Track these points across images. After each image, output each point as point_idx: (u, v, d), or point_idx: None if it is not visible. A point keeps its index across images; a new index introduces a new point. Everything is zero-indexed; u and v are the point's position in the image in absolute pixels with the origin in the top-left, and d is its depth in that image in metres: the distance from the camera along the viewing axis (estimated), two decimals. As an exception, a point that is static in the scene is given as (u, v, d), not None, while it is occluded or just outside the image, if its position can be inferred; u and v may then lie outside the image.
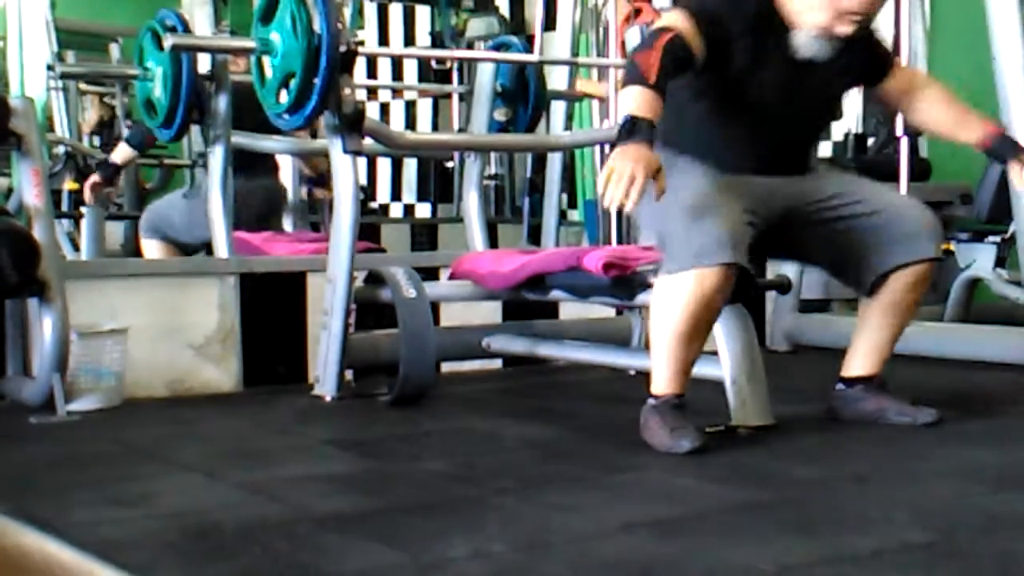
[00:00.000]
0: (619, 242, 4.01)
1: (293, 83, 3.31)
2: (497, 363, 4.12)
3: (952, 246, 4.79)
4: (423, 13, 7.06)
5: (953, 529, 2.09)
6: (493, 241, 4.38)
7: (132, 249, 5.64)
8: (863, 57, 3.01)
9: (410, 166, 6.92)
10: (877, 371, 3.08)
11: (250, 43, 3.45)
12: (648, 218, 2.93)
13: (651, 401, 2.80)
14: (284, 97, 3.38)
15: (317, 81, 3.27)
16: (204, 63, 3.85)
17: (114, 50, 6.29)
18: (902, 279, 2.98)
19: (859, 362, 3.08)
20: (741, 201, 2.80)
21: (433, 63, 6.51)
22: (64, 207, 5.21)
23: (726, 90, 2.88)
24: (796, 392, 3.35)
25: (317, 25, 3.26)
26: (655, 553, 1.99)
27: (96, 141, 6.39)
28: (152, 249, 4.64)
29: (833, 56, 2.88)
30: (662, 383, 2.80)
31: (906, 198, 3.29)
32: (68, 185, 5.27)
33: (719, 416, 2.94)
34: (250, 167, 4.48)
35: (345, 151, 3.44)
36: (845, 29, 2.83)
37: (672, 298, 2.74)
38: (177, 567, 1.94)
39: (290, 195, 5.10)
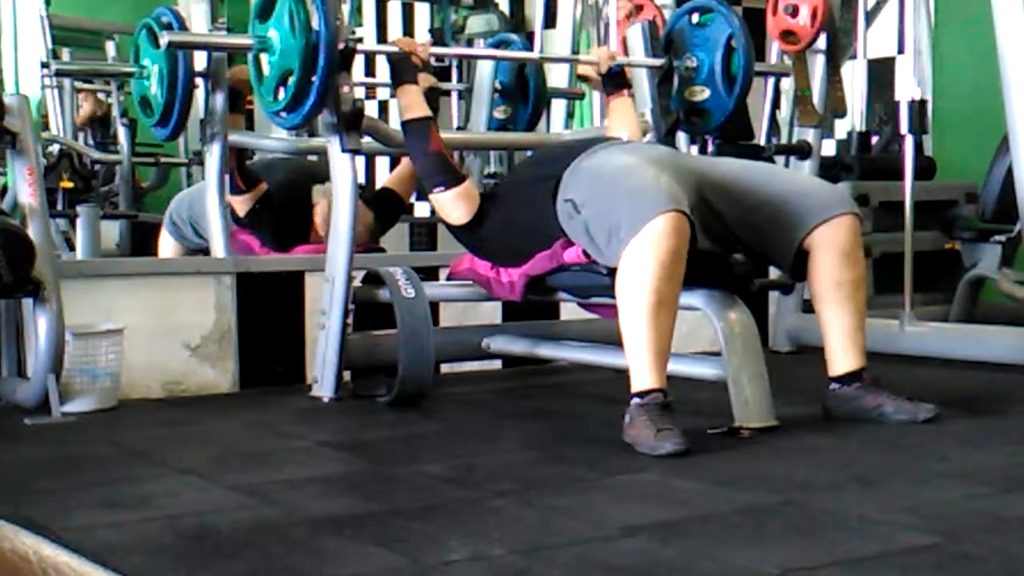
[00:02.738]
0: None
1: (291, 81, 3.29)
2: (497, 364, 4.10)
3: (957, 245, 4.77)
4: (422, 10, 7.05)
5: (958, 531, 2.07)
6: (493, 240, 4.34)
7: (128, 248, 5.62)
8: None
9: (409, 165, 6.91)
10: (863, 363, 3.09)
11: (248, 40, 3.43)
12: (593, 221, 2.94)
13: (636, 400, 2.78)
14: (282, 95, 3.35)
15: (315, 79, 3.25)
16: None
17: (110, 47, 6.27)
18: (829, 253, 3.02)
19: (842, 358, 3.09)
20: (664, 168, 2.95)
21: (432, 60, 6.50)
22: (59, 206, 5.18)
23: None
24: (799, 393, 3.33)
25: (315, 22, 3.24)
26: (656, 556, 1.97)
27: (89, 138, 6.36)
28: (167, 246, 4.59)
29: None
30: (644, 377, 2.79)
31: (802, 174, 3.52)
32: (63, 183, 5.24)
33: (721, 417, 2.92)
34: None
35: (343, 149, 3.43)
36: None
37: (632, 271, 2.77)
38: (173, 570, 1.93)
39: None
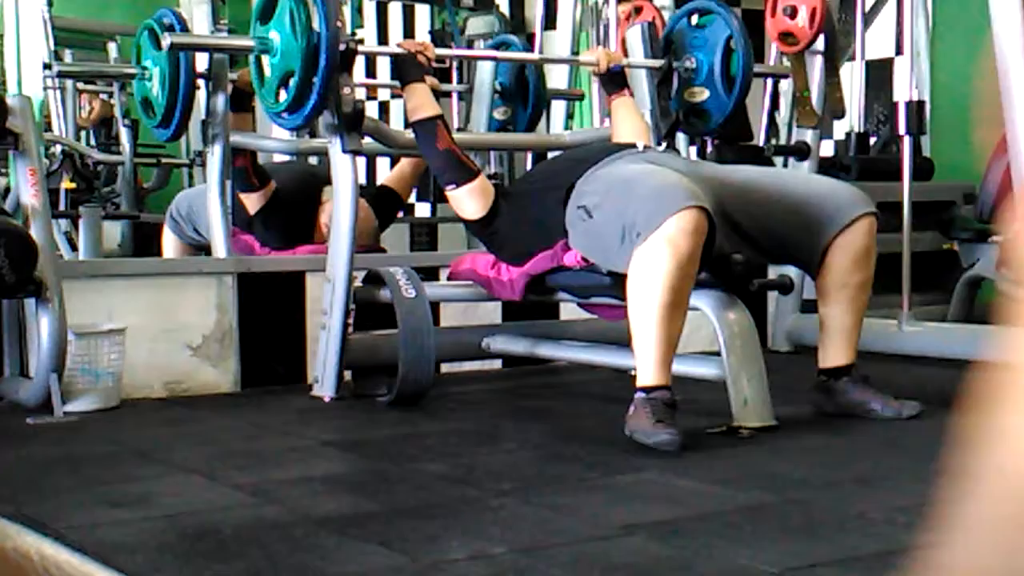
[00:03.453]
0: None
1: (292, 82, 3.29)
2: (497, 363, 4.11)
3: (955, 246, 4.78)
4: (423, 12, 7.05)
5: (957, 530, 2.07)
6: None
7: (130, 249, 5.63)
8: None
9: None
10: (853, 359, 3.15)
11: (249, 42, 3.44)
12: (605, 224, 2.96)
13: (642, 394, 2.80)
14: (283, 96, 3.36)
15: (316, 80, 3.26)
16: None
17: (112, 49, 6.27)
18: (844, 256, 3.06)
19: (834, 352, 3.15)
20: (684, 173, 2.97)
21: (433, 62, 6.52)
22: (61, 206, 5.19)
23: None
24: (798, 392, 3.34)
25: (316, 24, 3.25)
26: (656, 555, 1.98)
27: (92, 139, 6.37)
28: (169, 243, 4.60)
29: None
30: (650, 373, 2.80)
31: (820, 177, 3.56)
32: (65, 184, 5.25)
33: (721, 417, 2.93)
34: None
35: (344, 150, 3.43)
36: None
37: (648, 267, 2.77)
38: (175, 569, 1.93)
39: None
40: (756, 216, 3.09)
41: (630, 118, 3.68)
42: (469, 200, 3.30)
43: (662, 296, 2.75)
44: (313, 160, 5.01)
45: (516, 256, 3.30)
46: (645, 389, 2.80)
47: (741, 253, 3.07)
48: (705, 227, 2.78)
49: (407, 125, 3.46)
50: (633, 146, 3.27)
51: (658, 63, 4.01)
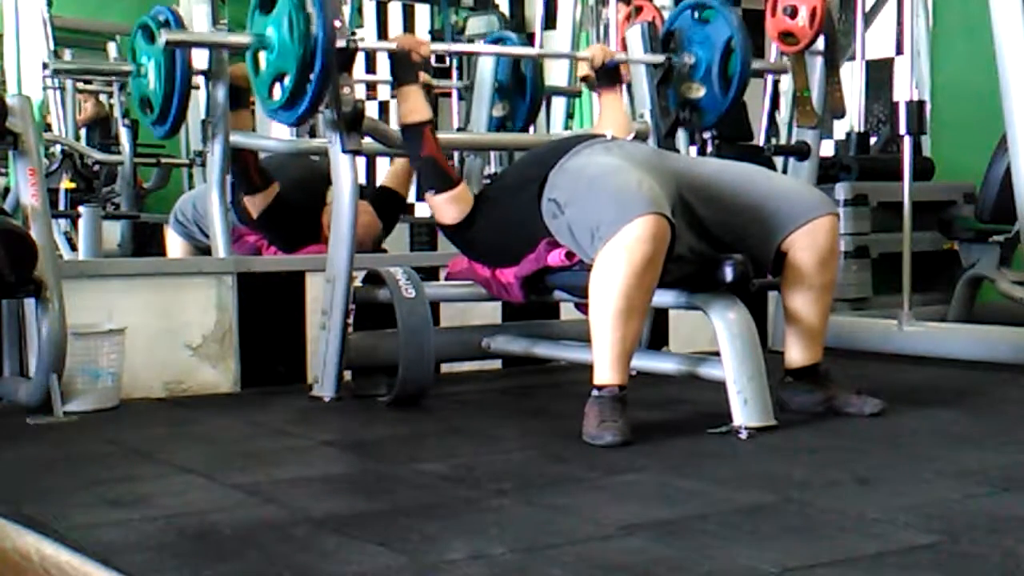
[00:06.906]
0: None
1: (287, 81, 3.29)
2: (497, 363, 4.11)
3: (955, 245, 4.79)
4: (422, 11, 7.06)
5: (957, 530, 2.08)
6: (493, 240, 4.34)
7: (130, 249, 5.63)
8: None
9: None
10: (817, 359, 3.17)
11: (246, 39, 3.43)
12: (575, 221, 2.98)
13: (594, 392, 2.88)
14: (277, 92, 3.35)
15: (310, 85, 3.25)
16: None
17: (111, 48, 6.27)
18: (807, 257, 3.06)
19: (798, 354, 3.17)
20: (647, 170, 2.98)
21: (432, 60, 6.52)
22: (61, 206, 5.19)
23: None
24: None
25: (314, 28, 3.23)
26: (656, 555, 1.98)
27: (92, 139, 6.37)
28: (175, 245, 4.60)
29: None
30: (604, 373, 2.88)
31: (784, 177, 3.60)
32: (65, 184, 5.25)
33: (721, 417, 2.93)
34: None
35: (344, 150, 3.43)
36: None
37: (604, 273, 2.81)
38: (175, 569, 1.93)
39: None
40: (716, 209, 3.10)
41: (614, 113, 3.72)
42: (447, 207, 3.33)
43: (617, 301, 2.80)
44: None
45: (498, 258, 3.31)
46: (597, 387, 2.88)
47: (708, 243, 3.07)
48: (665, 233, 2.80)
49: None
50: (602, 136, 3.28)
51: (659, 58, 4.00)
